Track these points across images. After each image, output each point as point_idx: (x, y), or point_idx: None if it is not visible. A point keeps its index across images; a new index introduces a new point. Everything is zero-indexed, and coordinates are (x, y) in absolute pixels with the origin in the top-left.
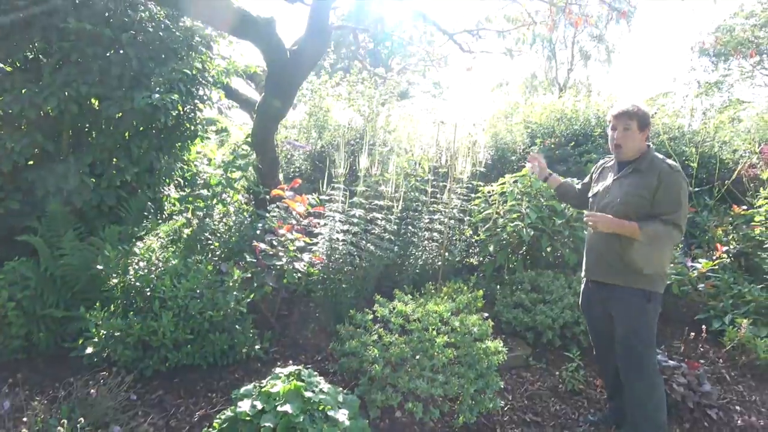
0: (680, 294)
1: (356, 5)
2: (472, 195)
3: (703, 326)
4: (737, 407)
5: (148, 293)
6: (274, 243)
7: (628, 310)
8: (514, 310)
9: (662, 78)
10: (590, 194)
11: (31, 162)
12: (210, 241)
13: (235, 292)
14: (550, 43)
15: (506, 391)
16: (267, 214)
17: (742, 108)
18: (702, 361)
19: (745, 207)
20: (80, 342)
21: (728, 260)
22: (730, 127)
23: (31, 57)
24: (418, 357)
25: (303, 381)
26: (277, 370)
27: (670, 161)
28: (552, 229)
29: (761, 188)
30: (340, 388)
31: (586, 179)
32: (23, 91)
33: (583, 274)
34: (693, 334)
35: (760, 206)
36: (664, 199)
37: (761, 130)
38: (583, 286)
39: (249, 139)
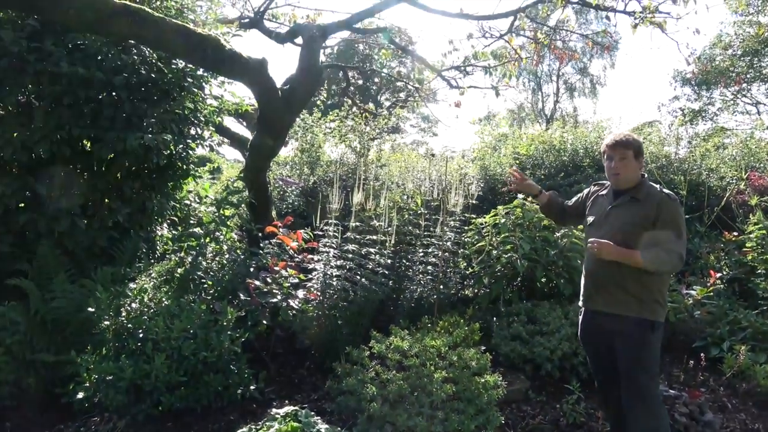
0: (677, 321)
1: (345, 44)
2: (465, 227)
3: (702, 354)
4: None
5: (141, 335)
6: (268, 280)
7: (630, 340)
8: (512, 343)
9: (647, 107)
10: (586, 223)
11: (22, 204)
12: (203, 280)
13: (229, 332)
14: (535, 76)
15: (507, 426)
16: (260, 251)
17: (726, 135)
18: (702, 389)
19: (735, 233)
20: (71, 387)
21: (722, 286)
22: (716, 155)
23: (23, 101)
24: (416, 393)
25: (300, 422)
26: (274, 411)
27: (666, 190)
28: (546, 260)
29: (750, 214)
30: (338, 428)
31: (574, 200)
32: (15, 134)
33: (581, 303)
34: (692, 362)
35: (750, 232)
36: (665, 228)
37: (746, 157)
38: (581, 316)
39: (241, 176)
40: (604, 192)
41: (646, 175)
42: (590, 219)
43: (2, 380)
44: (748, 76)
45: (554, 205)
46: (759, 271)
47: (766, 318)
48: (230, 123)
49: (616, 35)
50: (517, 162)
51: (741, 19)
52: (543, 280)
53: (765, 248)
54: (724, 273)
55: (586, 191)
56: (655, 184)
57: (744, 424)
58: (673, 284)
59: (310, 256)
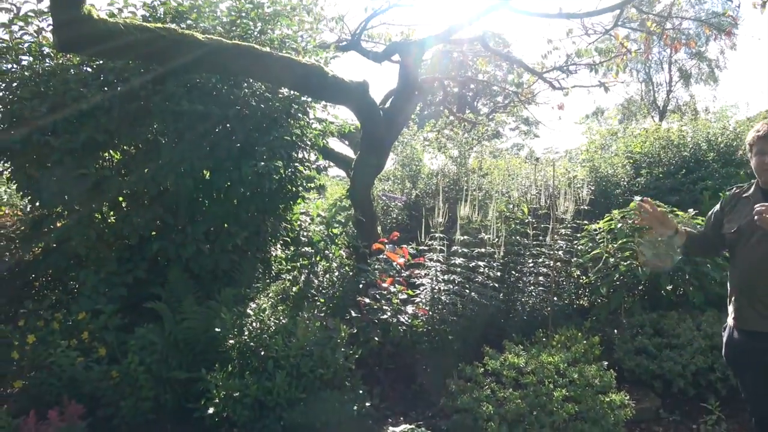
0: None
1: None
2: (577, 234)
3: None
4: None
5: (262, 353)
6: (377, 296)
7: None
8: (637, 357)
9: None
10: (729, 230)
11: (153, 233)
12: (316, 297)
13: (342, 349)
14: (645, 65)
15: None
16: (368, 268)
17: None
18: None
19: None
20: (202, 402)
21: None
22: None
23: (150, 138)
24: (535, 413)
25: None
26: (390, 429)
27: None
28: (671, 266)
29: None
30: None
31: (710, 217)
32: (146, 170)
33: (730, 320)
34: None
35: None
36: None
37: None
38: (726, 335)
39: (347, 195)
40: (748, 193)
41: None
42: (734, 224)
43: (145, 396)
44: None
45: (693, 239)
46: None
47: None
48: (334, 143)
49: (736, 12)
50: (631, 161)
51: None
52: (669, 288)
53: None
54: None
55: (720, 203)
56: None
57: None
58: None
59: (417, 271)
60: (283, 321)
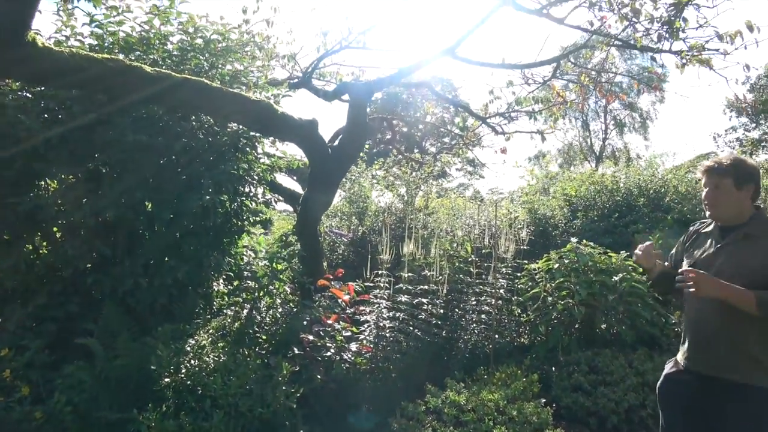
0: None
1: (389, 95)
2: (518, 273)
3: None
4: None
5: (200, 392)
6: (321, 333)
7: (743, 414)
8: (573, 394)
9: (702, 139)
10: (685, 265)
11: (89, 265)
12: (258, 334)
13: (284, 387)
14: (582, 114)
15: None
16: (313, 305)
17: None
18: None
19: None
20: None
21: None
22: None
23: (92, 168)
24: None
25: None
26: None
27: None
28: (605, 305)
29: None
30: None
31: (672, 255)
32: (84, 200)
33: (680, 358)
34: None
35: None
36: None
37: None
38: (671, 370)
39: (294, 230)
40: (708, 228)
41: (761, 207)
42: (690, 259)
43: None
44: None
45: (663, 274)
46: None
47: None
48: (282, 178)
49: (664, 71)
50: (568, 204)
51: None
52: (603, 326)
53: None
54: None
55: (683, 237)
56: None
57: None
58: None
59: (362, 308)
60: (223, 358)
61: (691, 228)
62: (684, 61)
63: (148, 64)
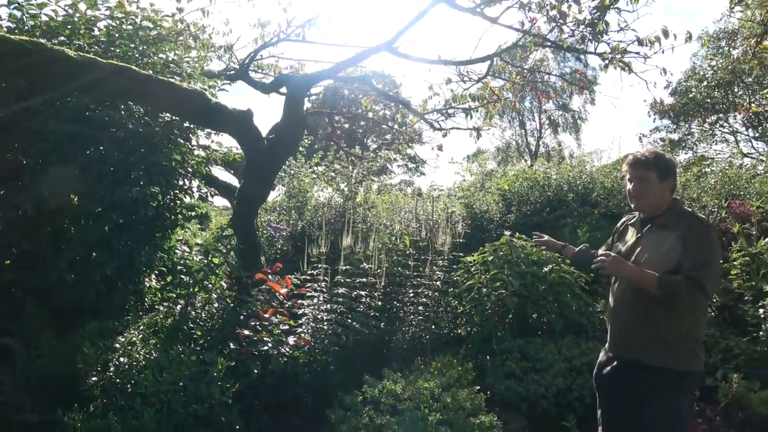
0: None
1: (330, 90)
2: (454, 266)
3: (703, 379)
4: None
5: (129, 389)
6: (258, 328)
7: (656, 396)
8: (506, 381)
9: (629, 139)
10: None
11: (8, 262)
12: (192, 330)
13: (219, 383)
14: (519, 113)
15: None
16: (250, 299)
17: (706, 164)
18: (699, 420)
19: (720, 261)
20: None
21: (713, 314)
22: (697, 184)
23: (11, 158)
24: None
25: None
26: None
27: (699, 214)
28: (536, 296)
29: (733, 242)
30: None
31: (609, 241)
32: (2, 192)
33: (606, 345)
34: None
35: (734, 259)
36: (688, 255)
37: (726, 186)
38: (601, 357)
39: (230, 224)
40: (633, 220)
41: (679, 198)
42: (616, 250)
43: None
44: (723, 106)
45: (584, 255)
46: (746, 297)
47: (757, 344)
48: (218, 172)
49: (594, 73)
50: (503, 200)
51: (712, 52)
52: (534, 316)
53: (750, 274)
54: (714, 301)
55: (616, 226)
56: (688, 209)
57: None
58: None
59: (300, 301)
60: (155, 355)
61: (622, 219)
62: (606, 62)
63: (73, 50)
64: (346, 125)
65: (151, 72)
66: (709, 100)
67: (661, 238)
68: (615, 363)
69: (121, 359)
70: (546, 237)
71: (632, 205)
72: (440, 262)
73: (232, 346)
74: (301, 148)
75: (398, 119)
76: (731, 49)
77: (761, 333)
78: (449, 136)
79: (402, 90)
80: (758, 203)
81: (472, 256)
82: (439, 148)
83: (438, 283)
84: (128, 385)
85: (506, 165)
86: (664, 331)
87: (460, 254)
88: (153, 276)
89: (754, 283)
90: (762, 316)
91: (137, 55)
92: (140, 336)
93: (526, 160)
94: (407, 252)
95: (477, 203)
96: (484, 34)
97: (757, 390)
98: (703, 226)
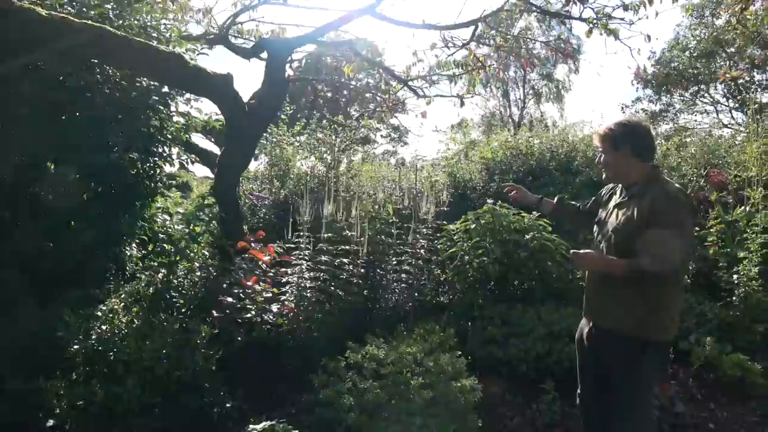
0: None
1: (313, 57)
2: (437, 234)
3: (671, 347)
4: (710, 425)
5: (112, 357)
6: (242, 296)
7: (617, 359)
8: (488, 346)
9: (612, 109)
10: (595, 219)
11: None
12: (175, 299)
13: (203, 350)
14: (503, 83)
15: (484, 428)
16: (233, 267)
17: (687, 135)
18: (673, 382)
19: (697, 229)
20: (40, 415)
21: (689, 280)
22: (677, 154)
23: None
24: (393, 401)
25: None
26: (251, 427)
27: (670, 186)
28: (517, 263)
29: (710, 209)
30: None
31: (592, 200)
32: None
33: (583, 312)
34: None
35: (711, 227)
36: (655, 231)
37: (705, 155)
38: (582, 321)
39: (211, 192)
40: (619, 187)
41: (657, 166)
42: (599, 215)
43: None
44: (704, 77)
45: (564, 211)
46: (721, 264)
47: (729, 309)
48: (199, 139)
49: (578, 42)
50: (486, 169)
51: (696, 22)
52: (515, 283)
53: (725, 242)
54: (690, 267)
55: (603, 189)
56: (664, 179)
57: (713, 413)
58: None
59: (283, 269)
60: (137, 323)
61: (605, 188)
62: (591, 26)
63: (45, 9)
64: (329, 94)
65: (128, 34)
66: (691, 70)
67: (631, 209)
68: (591, 328)
69: (103, 327)
70: (522, 189)
71: (605, 177)
72: (423, 230)
73: (215, 314)
74: (283, 117)
75: (381, 86)
76: (715, 18)
77: (734, 298)
78: (433, 104)
79: (386, 58)
80: (735, 172)
81: (455, 224)
82: (423, 115)
83: (421, 251)
84: (110, 353)
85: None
86: (633, 301)
87: (444, 222)
88: (134, 245)
89: (729, 249)
90: (735, 281)
91: (113, 17)
92: (122, 304)
93: (509, 130)
94: (390, 220)
95: (460, 172)
96: None
97: (729, 352)
98: (668, 196)
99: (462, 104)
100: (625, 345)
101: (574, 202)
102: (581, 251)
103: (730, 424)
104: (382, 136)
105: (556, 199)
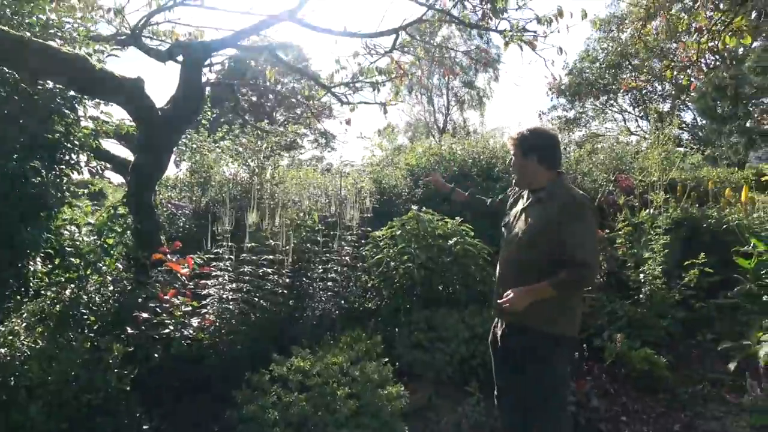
0: None
1: (235, 61)
2: (363, 241)
3: (584, 345)
4: (623, 418)
5: (12, 383)
6: (158, 310)
7: (532, 355)
8: (414, 351)
9: (530, 116)
10: (503, 222)
11: None
12: (85, 315)
13: (116, 369)
14: (427, 90)
15: None
16: (149, 281)
17: (598, 141)
18: (588, 377)
19: (607, 231)
20: None
21: (601, 280)
22: (588, 159)
23: None
24: (320, 413)
25: None
26: None
27: (575, 192)
28: (442, 268)
29: (618, 212)
30: None
31: (500, 197)
32: None
33: (493, 312)
34: (576, 353)
35: (619, 229)
36: (568, 236)
37: (614, 161)
38: (494, 322)
39: (125, 201)
40: (525, 192)
41: (562, 173)
42: (506, 218)
43: None
44: (612, 87)
45: (473, 203)
46: (629, 264)
47: (637, 306)
48: (111, 146)
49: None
50: (411, 175)
51: (603, 35)
52: (440, 287)
53: (632, 243)
54: (602, 268)
55: (511, 190)
56: (567, 185)
57: (625, 406)
58: None
59: (203, 281)
60: (41, 344)
61: (511, 189)
62: (506, 39)
63: None
64: (254, 98)
65: (28, 34)
66: (600, 80)
67: (538, 212)
68: (504, 327)
69: (2, 350)
70: (437, 174)
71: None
72: (349, 237)
73: (129, 330)
74: (204, 122)
75: (305, 92)
76: (620, 33)
77: (641, 296)
78: (358, 110)
79: (311, 63)
80: (640, 177)
81: (381, 230)
82: (347, 122)
83: (347, 258)
84: (11, 378)
85: (415, 141)
86: (546, 298)
87: (369, 229)
88: (38, 259)
89: (636, 250)
90: (642, 280)
91: (9, 14)
92: (24, 324)
93: (434, 136)
94: (316, 228)
95: (386, 178)
96: (391, 7)
97: (638, 348)
98: (577, 203)
99: (386, 111)
100: (539, 341)
101: (483, 197)
102: (507, 296)
103: (639, 416)
104: (308, 141)
105: (468, 192)
